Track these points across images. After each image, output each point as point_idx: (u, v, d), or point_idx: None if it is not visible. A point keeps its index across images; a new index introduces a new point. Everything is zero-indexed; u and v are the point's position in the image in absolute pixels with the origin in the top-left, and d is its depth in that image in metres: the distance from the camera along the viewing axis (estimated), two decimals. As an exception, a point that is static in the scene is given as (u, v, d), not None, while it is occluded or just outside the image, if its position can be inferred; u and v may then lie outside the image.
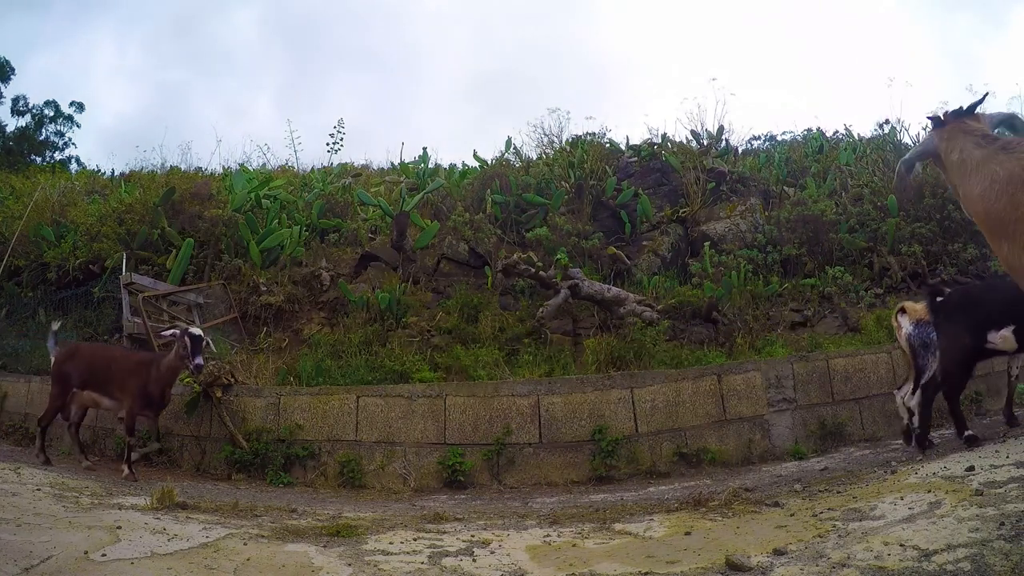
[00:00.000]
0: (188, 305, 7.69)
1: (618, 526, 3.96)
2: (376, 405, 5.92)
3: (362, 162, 14.25)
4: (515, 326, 7.38)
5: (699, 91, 38.66)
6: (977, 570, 2.48)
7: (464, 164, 12.68)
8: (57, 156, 20.45)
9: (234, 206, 8.81)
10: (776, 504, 4.08)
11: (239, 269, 8.14)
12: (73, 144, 21.87)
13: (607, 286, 7.62)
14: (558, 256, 7.84)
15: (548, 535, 3.83)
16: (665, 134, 11.71)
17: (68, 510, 3.95)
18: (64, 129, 21.50)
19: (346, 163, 13.36)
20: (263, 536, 3.69)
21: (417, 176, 11.27)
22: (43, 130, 21.20)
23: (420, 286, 8.42)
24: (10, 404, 7.66)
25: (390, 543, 3.64)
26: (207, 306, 7.79)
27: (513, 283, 8.13)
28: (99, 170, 14.76)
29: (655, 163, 10.63)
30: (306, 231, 9.03)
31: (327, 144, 12.75)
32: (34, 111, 21.03)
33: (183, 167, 12.16)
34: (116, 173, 13.57)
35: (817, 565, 2.82)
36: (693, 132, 11.60)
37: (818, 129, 13.54)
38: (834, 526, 3.38)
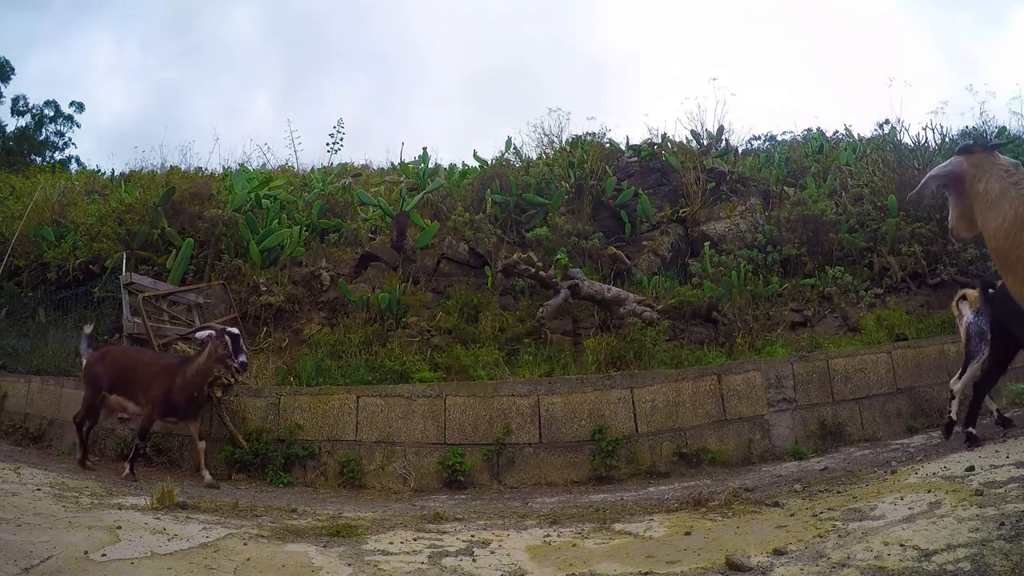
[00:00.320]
0: (188, 305, 7.69)
1: (618, 526, 3.96)
2: (376, 405, 5.92)
3: (362, 162, 14.26)
4: (515, 326, 7.38)
5: (699, 91, 38.62)
6: (977, 570, 2.48)
7: (464, 164, 12.69)
8: (57, 156, 20.45)
9: (234, 206, 8.81)
10: (776, 504, 4.08)
11: (239, 269, 8.14)
12: (73, 144, 21.87)
13: (607, 286, 7.62)
14: (558, 256, 7.84)
15: (548, 535, 3.83)
16: (665, 134, 11.73)
17: (68, 510, 3.95)
18: (64, 129, 21.50)
19: (346, 163, 13.38)
20: (263, 536, 3.69)
21: (417, 176, 11.27)
22: (43, 130, 21.19)
23: (420, 286, 8.42)
24: (10, 404, 7.66)
25: (390, 543, 3.64)
26: (207, 306, 7.79)
27: (513, 283, 8.13)
28: (99, 170, 14.76)
29: (655, 163, 10.62)
30: (306, 231, 9.03)
31: (327, 144, 12.75)
32: (34, 111, 21.03)
33: (183, 167, 12.16)
34: (116, 173, 13.57)
35: (817, 565, 2.82)
36: (693, 132, 11.61)
37: (818, 129, 13.56)
38: (834, 526, 3.38)
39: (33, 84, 43.97)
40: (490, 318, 7.46)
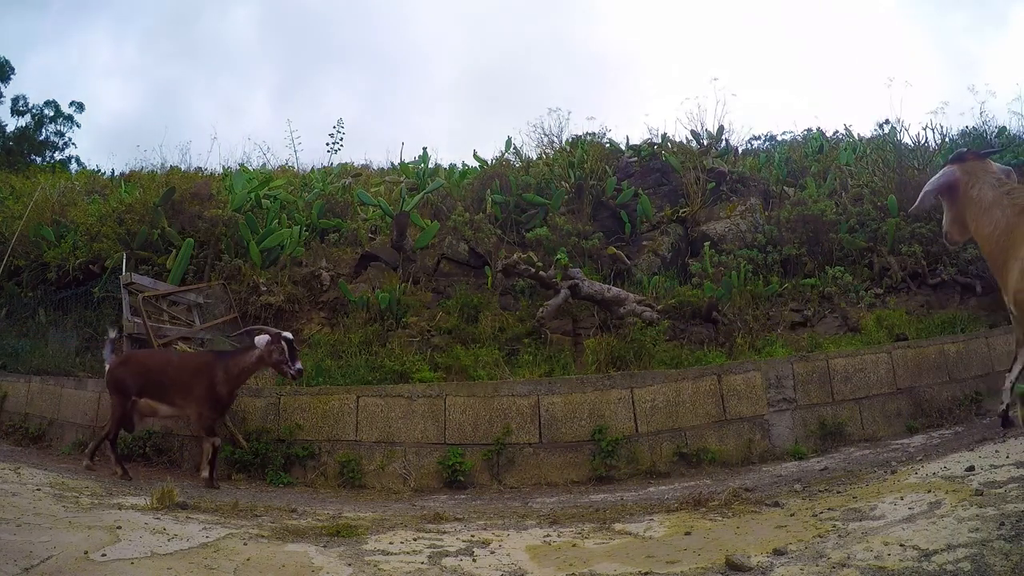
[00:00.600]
0: (188, 305, 7.69)
1: (618, 526, 3.96)
2: (376, 405, 5.92)
3: (362, 162, 14.28)
4: (515, 326, 7.38)
5: (699, 91, 38.66)
6: (977, 570, 2.48)
7: (464, 164, 12.70)
8: (57, 156, 20.48)
9: (234, 206, 8.81)
10: (776, 504, 4.08)
11: (239, 269, 8.14)
12: (73, 144, 21.90)
13: (607, 286, 7.62)
14: (558, 256, 7.83)
15: (548, 535, 3.83)
16: (665, 134, 11.73)
17: (68, 510, 3.95)
18: (64, 129, 21.54)
19: (346, 163, 13.39)
20: (263, 536, 3.69)
21: (417, 176, 11.28)
22: (43, 130, 21.22)
23: (420, 286, 8.42)
24: (10, 404, 7.67)
25: (390, 543, 3.64)
26: (207, 306, 7.79)
27: (513, 283, 8.13)
28: (99, 170, 14.76)
29: (655, 163, 10.62)
30: (306, 231, 9.03)
31: (327, 144, 12.78)
32: (34, 111, 21.07)
33: (183, 167, 12.17)
34: (116, 173, 13.58)
35: (817, 565, 2.82)
36: (693, 132, 11.61)
37: (818, 129, 13.58)
38: (834, 526, 3.38)
39: (32, 84, 44.01)
40: (490, 318, 7.46)
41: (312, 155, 26.95)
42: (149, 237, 8.38)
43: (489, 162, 11.80)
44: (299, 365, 5.44)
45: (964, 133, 10.16)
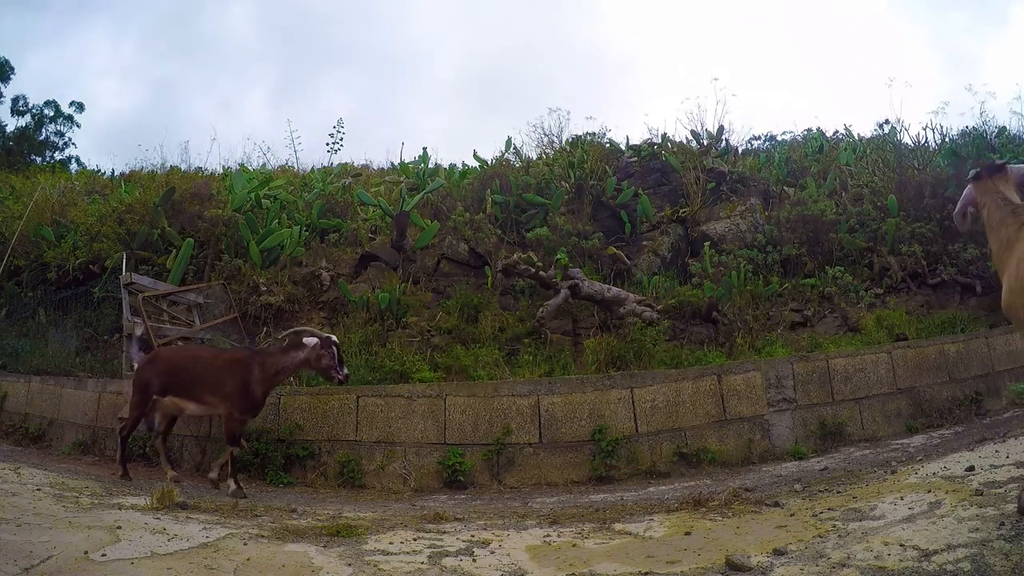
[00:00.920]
0: (188, 305, 7.69)
1: (618, 526, 3.96)
2: (376, 405, 5.92)
3: (362, 162, 14.27)
4: (515, 326, 7.38)
5: (700, 91, 38.72)
6: (977, 570, 2.48)
7: (464, 164, 12.70)
8: (57, 156, 20.47)
9: (234, 206, 8.81)
10: (776, 504, 4.08)
11: (239, 269, 8.13)
12: (73, 144, 21.90)
13: (607, 286, 7.62)
14: (558, 256, 7.83)
15: (548, 535, 3.83)
16: (665, 134, 11.73)
17: (68, 510, 3.94)
18: (64, 129, 21.53)
19: (346, 163, 13.39)
20: (263, 536, 3.69)
21: (417, 176, 11.27)
22: (43, 130, 21.21)
23: (420, 286, 8.42)
24: (10, 404, 7.67)
25: (390, 543, 3.64)
26: (207, 306, 7.79)
27: (513, 283, 8.13)
28: (99, 170, 14.75)
29: (655, 163, 10.62)
30: (306, 231, 9.03)
31: (327, 144, 12.77)
32: (34, 111, 21.06)
33: (183, 167, 12.18)
34: (116, 173, 13.57)
35: (817, 565, 2.82)
36: (693, 132, 11.61)
37: (818, 129, 13.58)
38: (834, 526, 3.38)
39: (32, 84, 44.02)
40: (490, 318, 7.46)
41: (312, 155, 26.98)
42: (149, 237, 8.38)
43: (489, 162, 11.81)
44: (346, 371, 5.41)
45: (964, 133, 10.16)
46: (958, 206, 3.36)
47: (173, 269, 7.92)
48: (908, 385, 6.31)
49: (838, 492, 4.18)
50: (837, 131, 13.28)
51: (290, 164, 13.19)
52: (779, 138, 14.06)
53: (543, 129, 12.34)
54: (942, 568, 2.56)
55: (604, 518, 4.18)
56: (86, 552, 3.06)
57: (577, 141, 11.54)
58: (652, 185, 10.28)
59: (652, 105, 47.49)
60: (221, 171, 12.28)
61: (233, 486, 5.12)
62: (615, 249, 8.79)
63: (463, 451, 5.69)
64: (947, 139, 10.29)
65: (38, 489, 4.46)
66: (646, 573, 3.02)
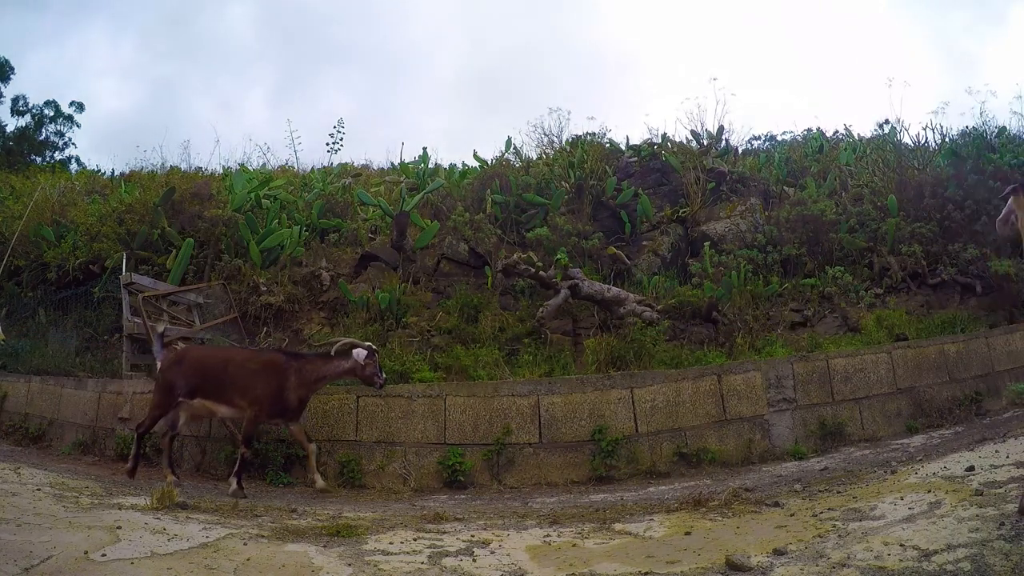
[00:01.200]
0: (188, 305, 7.69)
1: (618, 526, 3.96)
2: (376, 405, 5.92)
3: (362, 162, 14.25)
4: (515, 326, 7.38)
5: (699, 91, 38.71)
6: (977, 570, 2.48)
7: (464, 164, 12.68)
8: (57, 156, 20.47)
9: (234, 206, 8.81)
10: (776, 504, 4.08)
11: (239, 269, 8.13)
12: (73, 144, 21.89)
13: (607, 286, 7.62)
14: (558, 256, 7.83)
15: (548, 535, 3.83)
16: (665, 134, 11.72)
17: (68, 510, 3.95)
18: (64, 129, 21.53)
19: (346, 163, 13.36)
20: (263, 536, 3.69)
21: (417, 176, 11.27)
22: (43, 130, 21.21)
23: (420, 286, 8.41)
24: (10, 404, 7.67)
25: (390, 543, 3.64)
26: (207, 306, 7.79)
27: (513, 283, 8.12)
28: (99, 170, 14.74)
29: (655, 163, 10.62)
30: (306, 231, 9.02)
31: (327, 144, 12.75)
32: (34, 111, 21.06)
33: (183, 167, 12.16)
34: (116, 173, 13.56)
35: (817, 565, 2.82)
36: (693, 132, 11.60)
37: (818, 129, 13.57)
38: (834, 526, 3.38)
39: (32, 83, 43.98)
40: (490, 318, 7.46)
41: (312, 155, 26.97)
42: (149, 237, 8.38)
43: (489, 162, 11.80)
44: (384, 375, 5.54)
45: (964, 133, 10.17)
46: (1002, 214, 3.62)
47: (173, 269, 7.92)
48: (908, 385, 6.31)
49: (838, 492, 4.18)
50: (837, 131, 13.28)
51: (290, 164, 13.19)
52: (779, 138, 14.05)
53: (543, 129, 12.33)
54: (942, 568, 2.56)
55: (604, 518, 4.18)
56: (86, 552, 3.06)
57: (577, 141, 11.53)
58: (652, 185, 10.27)
59: (652, 105, 47.49)
60: (221, 171, 12.27)
61: (234, 485, 5.11)
62: (615, 249, 8.79)
63: (463, 451, 5.69)
64: (947, 139, 10.30)
65: (38, 489, 4.46)
66: (646, 573, 3.02)
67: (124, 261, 7.86)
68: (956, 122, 17.41)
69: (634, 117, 49.73)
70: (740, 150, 12.11)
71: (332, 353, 5.51)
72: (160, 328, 5.87)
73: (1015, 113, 10.30)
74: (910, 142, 10.72)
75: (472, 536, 3.82)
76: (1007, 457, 4.09)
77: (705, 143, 11.29)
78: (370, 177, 12.13)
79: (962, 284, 7.81)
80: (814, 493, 4.28)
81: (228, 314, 7.65)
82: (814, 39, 38.71)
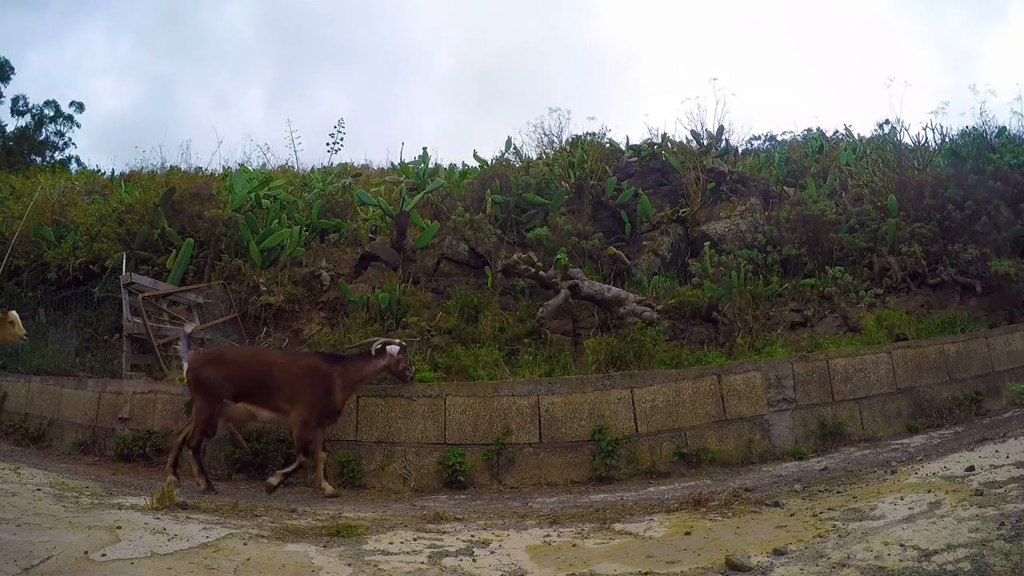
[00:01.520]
0: (188, 305, 7.69)
1: (618, 526, 3.96)
2: (376, 405, 5.92)
3: (362, 162, 14.25)
4: (515, 326, 7.38)
5: (699, 91, 38.69)
6: (977, 570, 2.48)
7: (464, 164, 12.68)
8: (57, 156, 20.48)
9: (234, 206, 8.81)
10: (776, 504, 4.08)
11: (239, 269, 8.13)
12: (73, 144, 21.91)
13: (607, 286, 7.62)
14: (558, 256, 7.83)
15: (548, 535, 3.83)
16: (665, 134, 11.72)
17: (68, 510, 3.95)
18: (64, 129, 21.54)
19: (346, 163, 13.36)
20: (263, 536, 3.69)
21: (417, 176, 11.27)
22: (43, 130, 21.23)
23: (420, 286, 8.41)
24: (10, 404, 7.67)
25: (390, 543, 3.64)
26: (207, 306, 7.79)
27: (513, 283, 8.12)
28: (99, 170, 14.74)
29: (655, 163, 10.62)
30: (306, 231, 9.02)
31: (327, 144, 12.75)
32: (34, 111, 21.07)
33: (183, 167, 12.16)
34: (116, 173, 13.57)
35: (817, 565, 2.82)
36: (693, 132, 11.60)
37: (818, 129, 13.56)
38: (834, 526, 3.38)
39: (31, 82, 43.98)
40: (490, 318, 7.46)
41: (312, 155, 26.97)
42: (149, 237, 8.38)
43: (489, 162, 11.80)
44: (412, 368, 5.81)
45: (964, 133, 10.17)
46: None
47: (173, 269, 7.92)
48: (908, 385, 6.31)
49: (838, 492, 4.18)
50: (837, 131, 13.28)
51: (290, 164, 13.18)
52: (779, 138, 14.04)
53: (543, 129, 12.32)
54: (942, 568, 2.56)
55: (604, 518, 4.18)
56: (86, 552, 3.06)
57: (577, 141, 11.53)
58: (652, 185, 10.27)
59: (652, 105, 47.52)
60: (221, 171, 12.27)
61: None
62: (615, 249, 8.79)
63: (463, 451, 5.69)
64: (947, 139, 10.30)
65: (38, 489, 4.46)
66: (646, 573, 3.02)
67: (124, 261, 7.86)
68: (956, 122, 17.41)
69: (634, 117, 49.78)
70: (740, 150, 12.11)
71: (373, 352, 5.57)
72: (189, 328, 5.79)
73: (1015, 113, 10.31)
74: (910, 142, 10.73)
75: (472, 536, 3.82)
76: (1007, 457, 4.08)
77: (705, 143, 11.28)
78: (370, 177, 12.13)
79: (962, 284, 7.81)
80: (814, 493, 4.28)
81: (228, 314, 7.66)
82: (814, 39, 38.74)
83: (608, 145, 11.38)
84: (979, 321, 7.26)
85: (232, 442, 5.93)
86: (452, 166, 12.95)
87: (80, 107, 21.88)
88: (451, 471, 5.60)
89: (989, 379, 6.53)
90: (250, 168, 11.69)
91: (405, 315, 7.58)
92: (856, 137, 12.44)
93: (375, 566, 3.20)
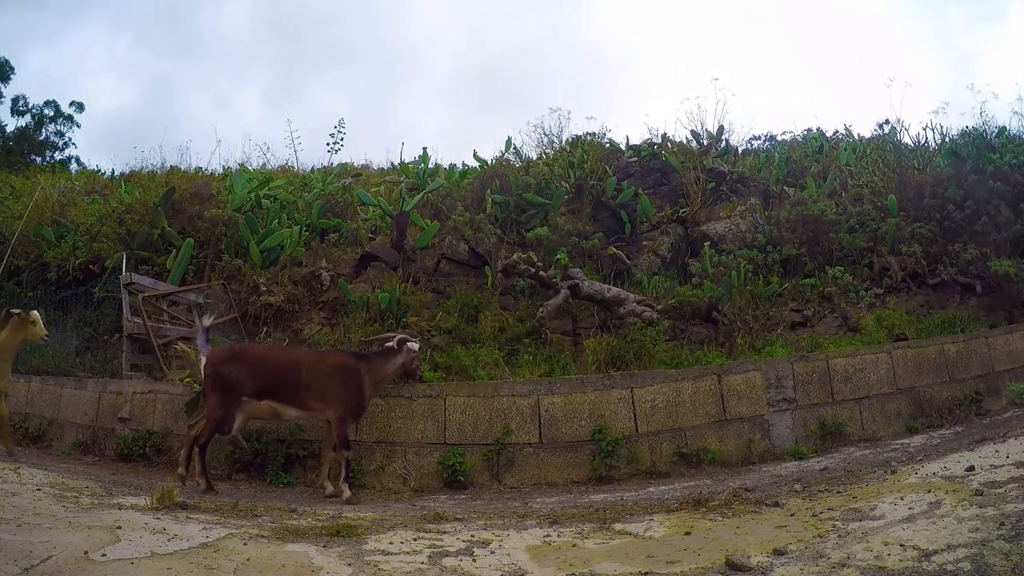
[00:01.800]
0: (188, 305, 7.69)
1: (618, 526, 3.96)
2: (376, 405, 5.90)
3: (362, 162, 14.25)
4: (515, 326, 7.38)
5: (699, 91, 38.71)
6: (977, 570, 2.48)
7: (464, 164, 12.68)
8: (57, 156, 20.49)
9: (234, 206, 8.80)
10: (776, 504, 4.08)
11: (239, 269, 8.13)
12: (73, 144, 21.92)
13: (607, 286, 7.62)
14: (558, 256, 7.83)
15: (548, 535, 3.83)
16: (665, 134, 11.72)
17: (68, 510, 3.94)
18: (64, 129, 21.55)
19: (346, 163, 13.36)
20: (263, 536, 3.69)
21: (417, 176, 11.26)
22: (43, 130, 21.24)
23: (420, 286, 8.41)
24: (10, 404, 7.61)
25: (390, 543, 3.64)
26: (207, 306, 7.78)
27: (513, 283, 8.12)
28: (99, 170, 14.74)
29: (655, 163, 10.62)
30: (306, 231, 9.02)
31: (327, 144, 12.75)
32: (34, 111, 21.09)
33: (183, 167, 12.16)
34: (116, 173, 13.56)
35: (817, 565, 2.82)
36: (693, 132, 11.60)
37: (818, 129, 13.57)
38: (834, 526, 3.38)
39: (31, 82, 43.99)
40: (490, 318, 7.46)
41: (312, 155, 26.96)
42: (149, 237, 8.38)
43: (489, 162, 11.79)
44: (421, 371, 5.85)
45: (964, 133, 10.17)
46: None
47: (173, 269, 7.92)
48: (908, 385, 6.31)
49: (838, 492, 4.18)
50: (837, 131, 13.29)
51: (290, 164, 13.18)
52: (779, 138, 14.04)
53: (543, 129, 12.33)
54: (942, 568, 2.56)
55: (604, 518, 4.18)
56: (86, 552, 3.06)
57: (577, 141, 11.53)
58: (652, 185, 10.27)
59: (652, 105, 47.54)
60: (221, 171, 12.27)
61: (347, 492, 5.08)
62: (615, 249, 8.79)
63: (463, 451, 5.69)
64: (947, 139, 10.31)
65: (38, 489, 4.46)
66: (646, 573, 3.02)
67: (124, 261, 7.86)
68: (956, 122, 17.40)
69: (634, 117, 49.81)
70: (740, 150, 12.11)
71: (396, 345, 5.57)
72: (207, 322, 5.64)
73: (1015, 113, 10.31)
74: (910, 142, 10.73)
75: (472, 536, 3.82)
76: (1007, 457, 4.08)
77: (705, 143, 11.28)
78: (370, 177, 12.12)
79: (962, 284, 7.81)
80: (814, 493, 4.28)
81: (228, 314, 7.65)
82: (814, 39, 38.75)
83: (608, 145, 11.38)
84: (979, 321, 7.26)
85: (232, 442, 5.92)
86: (452, 166, 12.95)
87: (80, 107, 21.91)
88: (451, 471, 5.60)
89: (989, 379, 6.53)
90: (250, 168, 11.69)
91: (405, 315, 7.58)
92: (856, 137, 12.45)
93: (375, 566, 3.21)
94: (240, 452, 5.89)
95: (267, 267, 8.37)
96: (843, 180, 9.73)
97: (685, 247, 9.41)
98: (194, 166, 12.53)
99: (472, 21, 46.78)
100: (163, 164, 12.21)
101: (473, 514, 4.51)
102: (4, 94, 20.51)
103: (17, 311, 5.85)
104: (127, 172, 12.83)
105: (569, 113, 17.82)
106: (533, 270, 7.39)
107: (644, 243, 9.32)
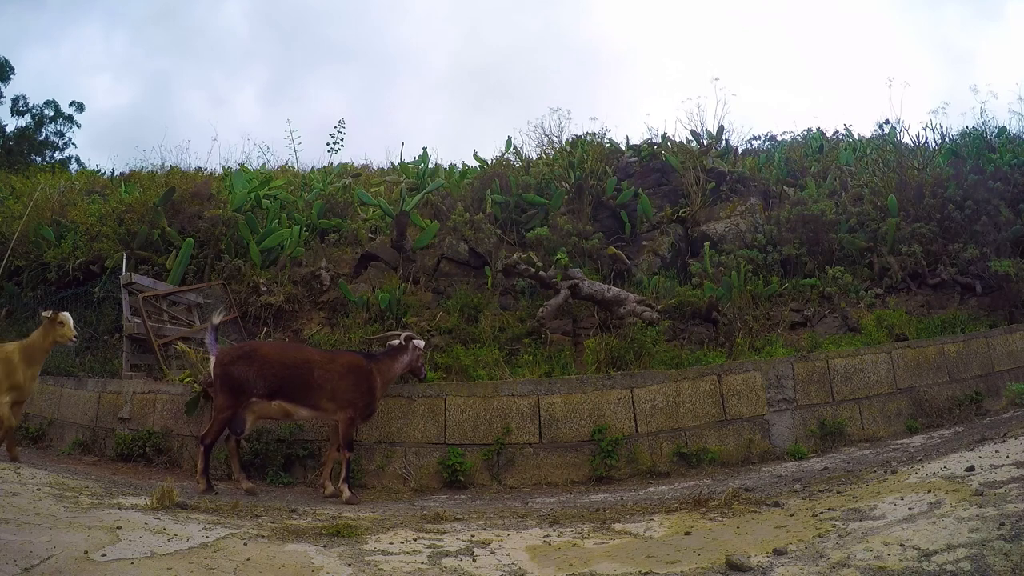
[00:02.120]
0: (188, 305, 7.69)
1: (618, 526, 3.96)
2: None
3: (362, 162, 14.26)
4: (515, 326, 7.38)
5: (700, 91, 38.79)
6: (977, 570, 2.48)
7: (464, 164, 12.69)
8: (57, 156, 20.49)
9: (234, 206, 8.81)
10: (776, 504, 4.08)
11: (239, 269, 8.14)
12: (73, 144, 21.97)
13: (607, 286, 7.62)
14: (558, 256, 7.83)
15: (548, 535, 3.83)
16: (665, 134, 11.72)
17: (68, 510, 3.94)
18: (64, 129, 21.56)
19: (346, 163, 13.37)
20: (263, 536, 3.68)
21: (417, 176, 11.27)
22: (43, 130, 21.24)
23: (420, 286, 8.41)
24: (10, 404, 7.65)
25: (390, 543, 3.64)
26: (207, 306, 7.78)
27: (513, 283, 8.12)
28: (99, 170, 14.74)
29: (655, 163, 10.62)
30: (306, 231, 9.03)
31: (327, 144, 12.77)
32: (34, 111, 21.09)
33: (183, 167, 12.17)
34: (116, 173, 13.57)
35: (817, 565, 2.82)
36: (693, 132, 11.60)
37: (818, 129, 13.58)
38: (834, 526, 3.38)
39: (30, 81, 44.01)
40: (490, 318, 7.46)
41: (311, 155, 26.99)
42: (149, 237, 8.38)
43: (489, 162, 11.80)
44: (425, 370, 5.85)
45: (964, 133, 10.18)
46: None
47: (173, 269, 7.92)
48: (908, 385, 6.31)
49: (838, 492, 4.18)
50: (837, 131, 13.30)
51: (290, 164, 13.20)
52: (779, 138, 14.05)
53: (543, 129, 12.36)
54: (942, 568, 2.56)
55: (604, 518, 4.18)
56: (86, 552, 3.06)
57: (577, 141, 11.53)
58: (652, 185, 10.28)
59: (652, 105, 47.54)
60: (221, 171, 12.28)
61: (347, 493, 5.05)
62: (615, 249, 8.79)
63: (463, 451, 5.69)
64: (947, 139, 10.32)
65: (38, 489, 4.46)
66: (646, 573, 3.02)
67: (124, 261, 7.86)
68: (956, 122, 17.45)
69: (634, 117, 49.86)
70: (740, 150, 12.11)
71: (402, 342, 5.57)
72: (216, 319, 5.49)
73: (1015, 113, 10.32)
74: (910, 142, 10.74)
75: (472, 536, 3.82)
76: (1007, 457, 4.08)
77: (705, 143, 11.28)
78: (370, 177, 12.13)
79: (962, 284, 7.81)
80: (814, 493, 4.28)
81: (228, 314, 7.65)
82: (814, 39, 38.75)
83: (608, 145, 11.39)
84: (979, 321, 7.26)
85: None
86: (452, 166, 12.95)
87: (80, 107, 21.93)
88: (451, 471, 5.60)
89: (989, 379, 6.53)
90: (250, 168, 11.70)
91: (405, 315, 7.58)
92: (856, 137, 12.46)
93: (375, 566, 3.20)
94: (240, 452, 5.88)
95: (267, 267, 8.38)
96: (843, 180, 9.74)
97: (685, 247, 9.41)
98: (194, 166, 12.55)
99: (470, 19, 46.79)
100: (163, 164, 12.23)
101: (473, 514, 4.51)
102: (4, 94, 20.53)
103: (47, 313, 5.56)
104: (127, 172, 12.84)
105: (569, 113, 17.90)
106: (533, 270, 7.39)
107: (644, 243, 9.32)
